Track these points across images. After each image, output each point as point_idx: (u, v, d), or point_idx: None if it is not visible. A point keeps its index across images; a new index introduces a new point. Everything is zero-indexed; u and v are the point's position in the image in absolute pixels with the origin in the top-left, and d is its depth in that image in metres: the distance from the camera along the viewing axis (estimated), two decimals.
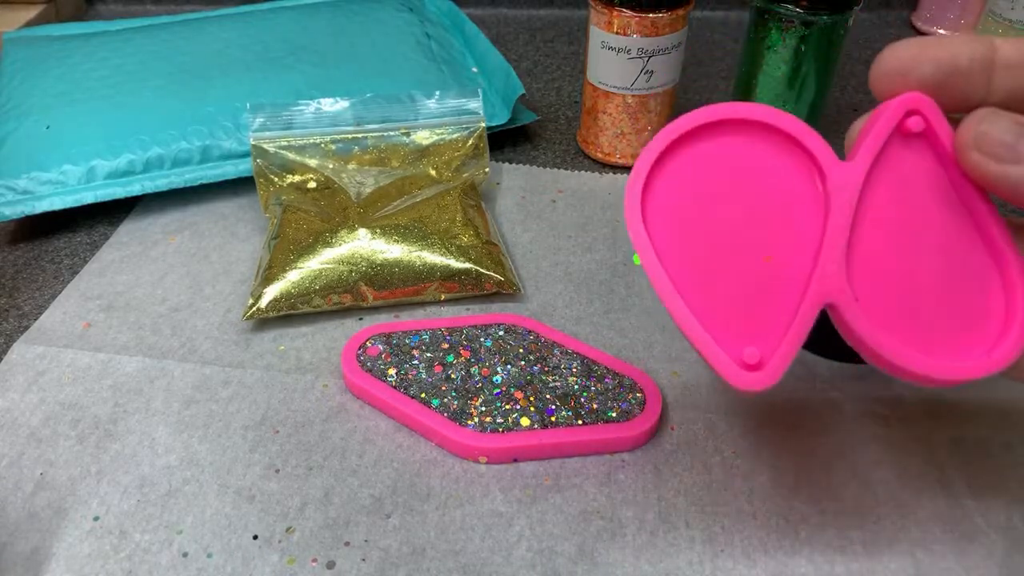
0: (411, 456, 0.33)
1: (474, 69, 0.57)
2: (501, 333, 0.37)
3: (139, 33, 0.58)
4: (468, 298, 0.40)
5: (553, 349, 0.36)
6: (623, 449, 0.33)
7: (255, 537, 0.29)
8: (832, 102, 0.60)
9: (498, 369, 0.35)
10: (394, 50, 0.55)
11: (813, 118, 0.50)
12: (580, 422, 0.33)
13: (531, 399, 0.33)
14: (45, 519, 0.30)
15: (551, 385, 0.34)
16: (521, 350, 0.36)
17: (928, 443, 0.33)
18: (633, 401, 0.33)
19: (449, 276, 0.39)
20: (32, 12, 0.68)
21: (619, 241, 0.45)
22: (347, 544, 0.29)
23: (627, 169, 0.51)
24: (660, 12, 0.44)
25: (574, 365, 0.35)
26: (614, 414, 0.33)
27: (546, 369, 0.35)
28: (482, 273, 0.39)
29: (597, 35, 0.47)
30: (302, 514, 0.30)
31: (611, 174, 0.51)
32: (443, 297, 0.40)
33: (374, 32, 0.57)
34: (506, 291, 0.40)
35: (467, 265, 0.39)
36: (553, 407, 0.33)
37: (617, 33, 0.45)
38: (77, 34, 0.58)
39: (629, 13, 0.44)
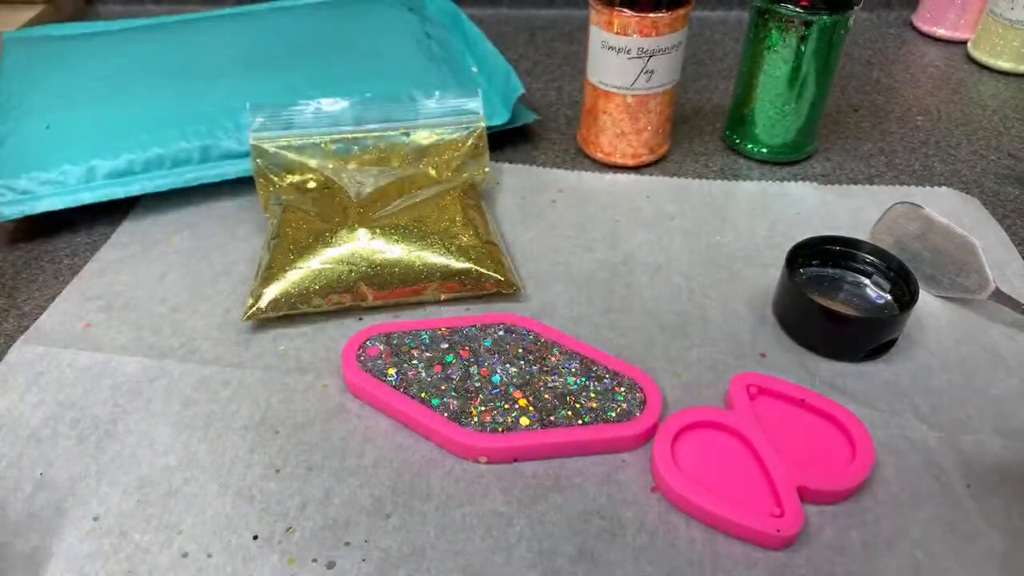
0: (411, 456, 0.33)
1: (474, 69, 0.57)
2: (501, 333, 0.37)
3: (139, 33, 0.58)
4: (468, 298, 0.40)
5: (552, 349, 0.36)
6: (623, 449, 0.33)
7: (255, 537, 0.29)
8: (832, 102, 0.60)
9: (497, 369, 0.35)
10: (394, 50, 0.55)
11: (813, 117, 0.50)
12: (580, 422, 0.32)
13: (531, 399, 0.33)
14: (45, 519, 0.30)
15: (551, 385, 0.34)
16: (520, 350, 0.36)
17: (927, 444, 0.33)
18: (633, 401, 0.33)
19: (449, 276, 0.39)
20: (32, 12, 0.68)
21: (619, 241, 0.45)
22: (347, 544, 0.29)
23: (627, 169, 0.51)
24: (660, 12, 0.44)
25: (573, 365, 0.35)
26: (614, 414, 0.33)
27: (545, 369, 0.35)
28: (482, 273, 0.39)
29: (597, 35, 0.47)
30: (302, 514, 0.30)
31: (611, 174, 0.51)
32: (443, 297, 0.40)
33: (374, 32, 0.57)
34: (506, 291, 0.40)
35: (467, 265, 0.39)
36: (553, 407, 0.33)
37: (617, 33, 0.45)
38: (77, 34, 0.58)
39: (629, 13, 0.44)
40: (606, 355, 0.36)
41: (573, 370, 0.35)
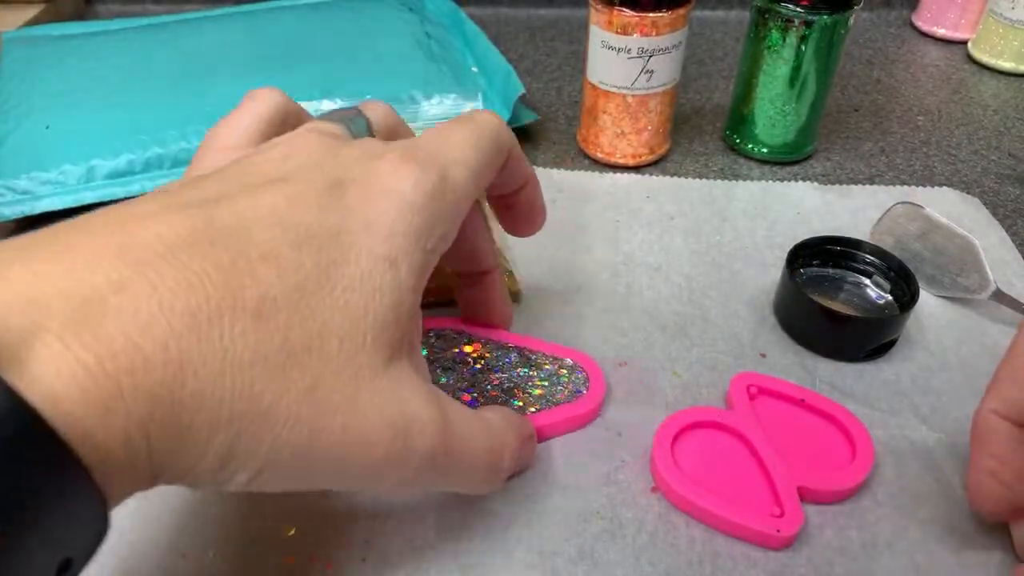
0: None
1: (474, 69, 0.57)
2: (432, 339, 0.36)
3: (139, 33, 0.58)
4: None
5: (488, 346, 0.36)
6: (577, 428, 0.33)
7: (255, 537, 0.29)
8: (832, 102, 0.60)
9: (440, 376, 0.35)
10: (394, 50, 0.55)
11: (813, 118, 0.50)
12: (532, 410, 0.33)
13: (479, 399, 0.34)
14: None
15: (495, 382, 0.34)
16: (457, 353, 0.36)
17: (927, 444, 0.33)
18: (578, 380, 0.34)
19: (450, 280, 0.39)
20: (32, 12, 0.68)
21: (619, 241, 0.45)
22: (347, 545, 0.29)
23: (627, 169, 0.51)
24: (660, 12, 0.44)
25: (512, 357, 0.35)
26: (563, 396, 0.33)
27: (487, 367, 0.35)
28: None
29: (597, 35, 0.47)
30: (302, 514, 0.30)
31: (611, 174, 0.51)
32: (445, 300, 0.39)
33: (374, 32, 0.57)
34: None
35: None
36: (503, 402, 0.33)
37: (617, 33, 0.45)
38: (77, 34, 0.58)
39: (629, 13, 0.44)
40: (540, 342, 0.36)
41: (513, 362, 0.35)
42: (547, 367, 0.35)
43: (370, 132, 0.29)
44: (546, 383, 0.34)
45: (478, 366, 0.35)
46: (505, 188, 0.32)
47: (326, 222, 0.22)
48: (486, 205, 0.44)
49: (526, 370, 0.35)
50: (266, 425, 0.19)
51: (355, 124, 0.28)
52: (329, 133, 0.26)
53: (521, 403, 0.33)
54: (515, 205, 0.33)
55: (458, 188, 0.25)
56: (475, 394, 0.34)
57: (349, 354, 0.21)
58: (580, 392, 0.34)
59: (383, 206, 0.23)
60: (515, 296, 0.40)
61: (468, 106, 0.47)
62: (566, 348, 0.36)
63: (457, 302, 0.37)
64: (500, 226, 0.45)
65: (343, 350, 0.21)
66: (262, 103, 0.28)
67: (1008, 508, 0.27)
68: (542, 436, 0.33)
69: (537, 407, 0.33)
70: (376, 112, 0.30)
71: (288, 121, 0.28)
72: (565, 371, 0.35)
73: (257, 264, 0.20)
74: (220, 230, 0.20)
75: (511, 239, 0.45)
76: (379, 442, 0.21)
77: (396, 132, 0.30)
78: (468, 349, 0.36)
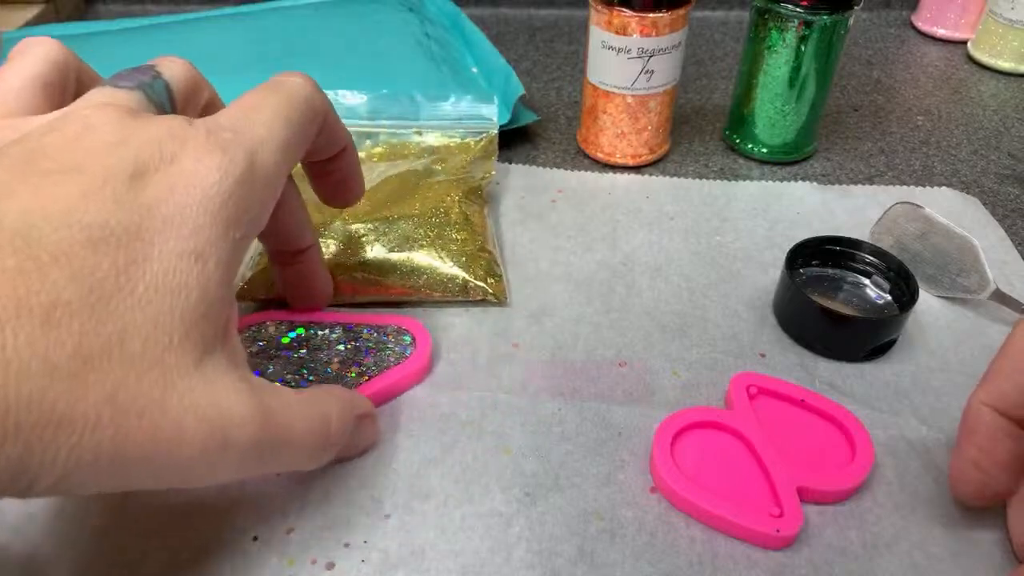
0: (410, 456, 0.33)
1: (474, 69, 0.57)
2: (253, 333, 0.36)
3: (139, 33, 0.58)
4: (456, 303, 0.40)
5: (311, 329, 0.36)
6: (412, 385, 0.35)
7: (255, 538, 0.29)
8: (832, 102, 0.60)
9: (267, 367, 0.34)
10: (394, 50, 0.55)
11: (813, 118, 0.50)
12: (366, 379, 0.34)
13: (313, 379, 0.34)
14: (44, 520, 0.30)
15: (325, 360, 0.35)
16: (279, 342, 0.35)
17: (927, 445, 0.33)
18: (404, 343, 0.35)
19: (440, 280, 0.39)
20: (32, 12, 0.68)
21: (619, 241, 0.45)
22: (347, 545, 0.29)
23: (627, 168, 0.51)
24: (660, 12, 0.44)
25: (336, 333, 0.36)
26: (392, 360, 0.34)
27: (313, 347, 0.35)
28: (469, 281, 0.39)
29: (597, 35, 0.47)
30: (302, 515, 0.30)
31: (611, 174, 0.51)
32: (436, 296, 0.39)
33: (374, 32, 0.57)
34: (492, 301, 0.39)
35: (456, 272, 0.39)
36: (338, 377, 0.34)
37: (617, 33, 0.45)
38: (77, 34, 0.58)
39: (629, 13, 0.44)
40: (362, 315, 0.37)
41: (337, 338, 0.35)
42: (372, 336, 0.36)
43: (171, 96, 0.26)
44: (374, 351, 0.35)
45: (304, 350, 0.35)
46: (320, 155, 0.31)
47: (125, 218, 0.20)
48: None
49: (353, 343, 0.35)
50: (61, 433, 0.18)
51: (154, 89, 0.25)
52: (127, 108, 0.23)
53: (354, 374, 0.34)
54: (331, 172, 0.32)
55: (268, 170, 0.24)
56: (304, 373, 0.34)
57: (155, 355, 0.20)
58: (407, 353, 0.35)
59: (187, 200, 0.21)
60: (499, 299, 0.39)
61: (485, 109, 0.47)
62: (388, 315, 0.37)
63: (277, 284, 0.37)
64: (493, 227, 0.46)
65: (148, 352, 0.20)
66: (36, 59, 0.25)
67: (987, 495, 0.28)
68: (379, 400, 0.34)
69: (369, 376, 0.34)
70: (174, 70, 0.27)
71: (70, 79, 0.26)
72: (390, 336, 0.36)
73: (48, 267, 0.18)
74: (4, 231, 0.18)
75: (510, 237, 0.45)
76: (193, 441, 0.21)
77: (198, 91, 0.28)
78: (290, 337, 0.36)
